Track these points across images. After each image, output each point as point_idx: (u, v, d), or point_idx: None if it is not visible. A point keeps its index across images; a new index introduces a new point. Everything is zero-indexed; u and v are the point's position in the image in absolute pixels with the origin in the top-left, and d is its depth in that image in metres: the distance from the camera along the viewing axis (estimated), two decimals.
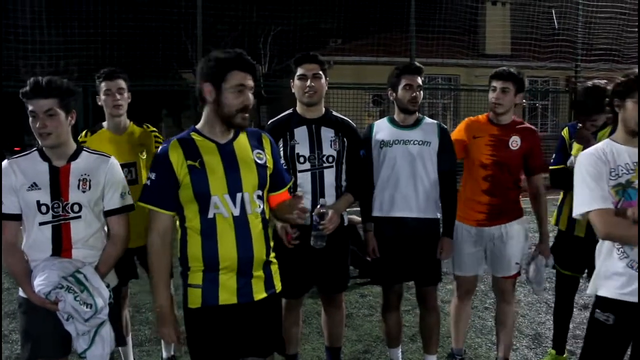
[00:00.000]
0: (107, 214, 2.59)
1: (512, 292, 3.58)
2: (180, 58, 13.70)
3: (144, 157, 3.47)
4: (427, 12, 12.04)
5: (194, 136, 2.33)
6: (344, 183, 3.23)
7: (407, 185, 3.25)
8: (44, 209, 2.44)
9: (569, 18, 14.08)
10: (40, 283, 2.37)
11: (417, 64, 3.45)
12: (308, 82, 3.12)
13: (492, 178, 3.38)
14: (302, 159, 3.13)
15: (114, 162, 2.63)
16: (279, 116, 3.29)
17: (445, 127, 3.41)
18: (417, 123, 3.36)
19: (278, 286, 2.49)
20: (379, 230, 3.34)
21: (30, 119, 2.42)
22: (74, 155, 2.54)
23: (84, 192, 2.49)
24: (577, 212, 2.35)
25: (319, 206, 2.88)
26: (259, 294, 2.37)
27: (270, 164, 2.43)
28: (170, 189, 2.27)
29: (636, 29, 13.24)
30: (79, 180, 2.49)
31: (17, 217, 2.46)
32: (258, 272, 2.37)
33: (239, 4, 11.88)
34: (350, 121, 3.33)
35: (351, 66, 14.19)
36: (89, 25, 10.03)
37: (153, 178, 2.28)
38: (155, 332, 4.00)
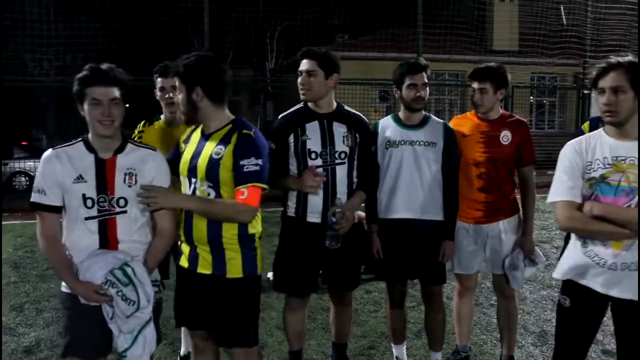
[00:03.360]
0: None
1: (511, 288, 3.55)
2: (187, 53, 13.70)
3: None
4: (435, 8, 12.01)
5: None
6: (355, 179, 3.16)
7: (413, 186, 3.21)
8: (89, 202, 2.36)
9: (578, 14, 14.01)
10: (96, 269, 2.30)
11: (422, 60, 3.36)
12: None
13: (486, 175, 3.34)
14: (313, 155, 3.05)
15: (160, 157, 2.56)
16: (289, 110, 3.20)
17: (452, 127, 3.36)
18: (424, 123, 3.30)
19: (233, 273, 2.53)
20: (384, 231, 3.30)
21: (89, 106, 2.33)
22: (120, 148, 2.45)
23: (129, 186, 2.41)
24: (548, 200, 2.49)
25: (333, 206, 2.83)
26: (203, 269, 2.56)
27: (226, 160, 2.45)
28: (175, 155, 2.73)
29: None
30: (125, 174, 2.41)
31: (59, 210, 2.39)
32: (202, 250, 2.56)
33: None
34: (362, 116, 3.25)
35: (358, 62, 14.15)
36: (96, 19, 10.08)
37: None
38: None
